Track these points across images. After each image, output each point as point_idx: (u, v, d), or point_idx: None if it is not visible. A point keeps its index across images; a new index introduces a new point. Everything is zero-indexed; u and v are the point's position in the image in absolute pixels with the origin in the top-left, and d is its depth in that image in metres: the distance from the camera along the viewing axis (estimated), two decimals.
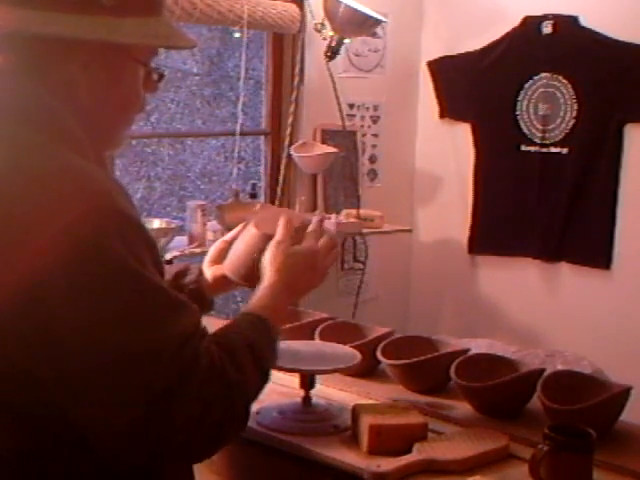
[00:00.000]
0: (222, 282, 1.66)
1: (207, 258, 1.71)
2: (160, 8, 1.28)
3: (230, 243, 1.68)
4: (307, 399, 1.67)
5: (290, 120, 3.47)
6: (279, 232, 1.51)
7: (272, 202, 3.49)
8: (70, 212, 1.08)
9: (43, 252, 1.07)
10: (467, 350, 1.86)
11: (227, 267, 1.63)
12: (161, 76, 1.32)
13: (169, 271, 1.64)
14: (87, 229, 1.08)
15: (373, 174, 3.91)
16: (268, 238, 1.55)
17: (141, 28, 1.22)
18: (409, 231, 3.97)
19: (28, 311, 1.08)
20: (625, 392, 1.63)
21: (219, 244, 1.71)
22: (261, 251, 1.53)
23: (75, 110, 1.21)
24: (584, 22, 3.53)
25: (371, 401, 1.75)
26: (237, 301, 3.84)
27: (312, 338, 1.95)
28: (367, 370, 1.86)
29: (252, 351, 1.24)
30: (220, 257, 1.68)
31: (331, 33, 3.28)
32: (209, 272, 1.68)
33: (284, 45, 3.51)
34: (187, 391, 1.11)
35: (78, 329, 1.08)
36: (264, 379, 1.28)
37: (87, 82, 1.22)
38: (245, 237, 1.62)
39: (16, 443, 1.14)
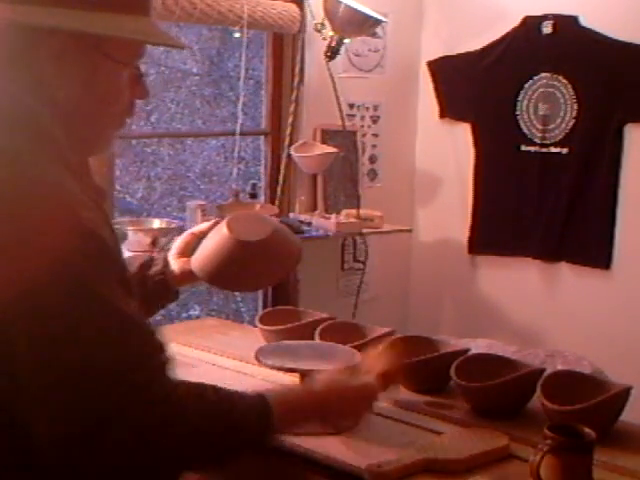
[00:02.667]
0: (189, 276, 1.67)
1: (173, 249, 1.71)
2: (144, 8, 1.25)
3: (198, 236, 1.70)
4: None
5: (290, 120, 3.47)
6: (368, 380, 1.50)
7: (272, 202, 3.49)
8: (37, 233, 1.08)
9: (6, 271, 1.06)
10: (467, 350, 1.86)
11: (195, 264, 1.65)
12: (140, 75, 1.28)
13: (133, 263, 1.65)
14: (49, 247, 1.07)
15: (373, 174, 3.91)
16: (240, 244, 1.57)
17: (116, 22, 1.19)
18: (409, 231, 3.96)
19: None
20: (625, 392, 1.63)
21: (186, 236, 1.73)
22: (234, 257, 1.55)
23: (52, 109, 1.19)
24: (584, 22, 3.53)
25: None
26: (237, 301, 3.84)
27: (312, 338, 1.95)
28: None
29: (223, 432, 1.23)
30: (187, 249, 1.69)
31: (331, 33, 3.28)
32: (176, 264, 1.68)
33: (284, 45, 3.50)
34: (124, 421, 1.09)
35: (34, 346, 1.07)
36: (214, 459, 1.27)
37: (60, 77, 1.19)
38: (215, 237, 1.63)
39: None
